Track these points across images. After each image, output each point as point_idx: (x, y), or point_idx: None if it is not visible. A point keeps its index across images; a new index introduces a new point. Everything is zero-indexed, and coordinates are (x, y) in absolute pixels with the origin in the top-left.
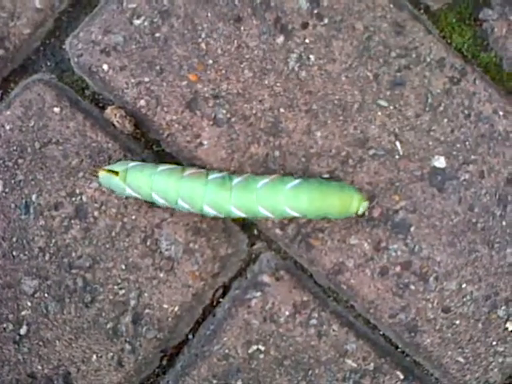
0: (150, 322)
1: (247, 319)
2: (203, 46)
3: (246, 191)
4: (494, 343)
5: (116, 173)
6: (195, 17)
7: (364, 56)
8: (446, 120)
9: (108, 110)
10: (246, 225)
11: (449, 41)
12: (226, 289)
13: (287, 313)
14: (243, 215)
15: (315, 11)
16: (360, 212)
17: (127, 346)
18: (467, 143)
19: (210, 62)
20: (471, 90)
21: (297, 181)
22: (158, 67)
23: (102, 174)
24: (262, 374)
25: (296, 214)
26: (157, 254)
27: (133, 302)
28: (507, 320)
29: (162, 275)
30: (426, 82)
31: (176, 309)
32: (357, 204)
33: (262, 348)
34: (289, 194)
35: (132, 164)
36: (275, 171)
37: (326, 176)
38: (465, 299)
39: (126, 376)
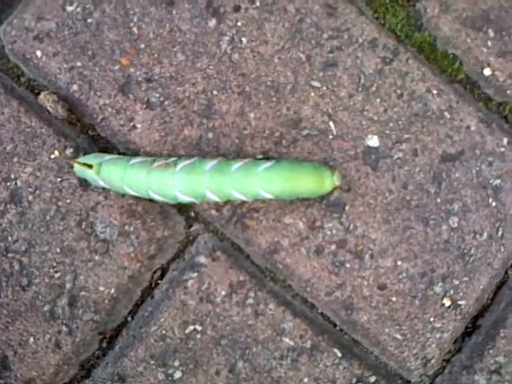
0: (86, 305)
1: (184, 300)
2: (135, 30)
3: (220, 175)
4: (432, 319)
5: (90, 166)
6: (127, 1)
7: (296, 38)
8: (378, 100)
9: (41, 96)
10: (183, 207)
11: (382, 22)
12: (164, 271)
13: (224, 293)
14: (217, 199)
15: None
16: (337, 184)
17: (64, 328)
18: (400, 122)
19: (143, 46)
20: (404, 70)
21: (269, 163)
22: (90, 52)
23: (76, 166)
24: (200, 354)
25: (270, 196)
26: (92, 237)
27: (68, 285)
28: (444, 296)
29: (97, 258)
30: (358, 62)
31: (112, 291)
32: (329, 181)
33: (199, 328)
34: (262, 176)
35: (107, 157)
36: (209, 153)
37: (260, 157)
38: (401, 276)
39: (64, 358)
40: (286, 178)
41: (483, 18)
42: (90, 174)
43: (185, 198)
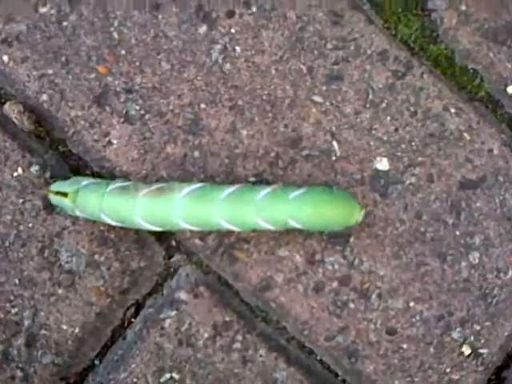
0: (46, 345)
1: (160, 342)
2: (115, 35)
3: (242, 203)
4: (448, 370)
5: (65, 194)
6: (108, 4)
7: (297, 48)
8: (389, 118)
9: (6, 106)
10: (163, 235)
11: (393, 32)
12: (138, 307)
13: (206, 335)
14: (236, 229)
15: None
16: (359, 220)
17: (19, 373)
18: (413, 143)
19: (123, 52)
20: (418, 85)
21: (301, 190)
22: (63, 58)
23: (51, 196)
24: None
25: (298, 226)
26: (55, 267)
27: (27, 322)
28: (463, 343)
29: (60, 291)
30: (366, 76)
31: (77, 330)
32: (357, 213)
33: (177, 376)
34: (293, 204)
35: (84, 182)
36: (194, 174)
37: (253, 179)
38: (413, 320)
39: None
40: (318, 208)
41: (507, 30)
42: (65, 204)
43: (192, 227)
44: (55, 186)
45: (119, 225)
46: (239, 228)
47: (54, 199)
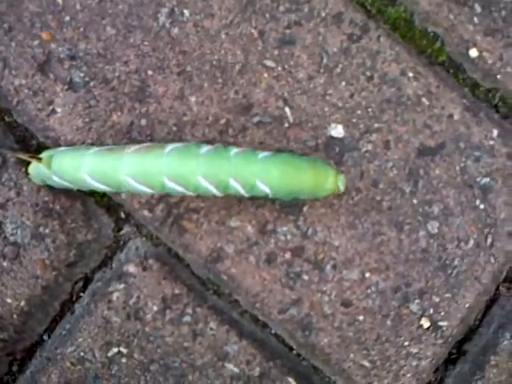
0: None
1: (107, 316)
2: (59, 0)
3: (218, 159)
4: (406, 343)
5: (39, 159)
6: None
7: (247, 11)
8: (343, 83)
9: None
10: (112, 206)
11: None
12: (87, 281)
13: (155, 308)
14: (213, 189)
15: None
16: (341, 188)
17: None
18: (370, 109)
19: (67, 18)
20: (374, 49)
21: (269, 153)
22: (6, 25)
23: (31, 167)
24: (125, 381)
25: (267, 190)
26: (0, 240)
27: None
28: (422, 316)
29: (5, 264)
30: (320, 39)
31: (22, 304)
32: (333, 179)
33: (125, 350)
34: (261, 165)
35: (61, 149)
36: (141, 142)
37: None
38: (369, 291)
39: None
40: (285, 170)
41: None
42: (39, 170)
43: (176, 187)
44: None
45: (101, 187)
46: (215, 188)
47: (31, 168)
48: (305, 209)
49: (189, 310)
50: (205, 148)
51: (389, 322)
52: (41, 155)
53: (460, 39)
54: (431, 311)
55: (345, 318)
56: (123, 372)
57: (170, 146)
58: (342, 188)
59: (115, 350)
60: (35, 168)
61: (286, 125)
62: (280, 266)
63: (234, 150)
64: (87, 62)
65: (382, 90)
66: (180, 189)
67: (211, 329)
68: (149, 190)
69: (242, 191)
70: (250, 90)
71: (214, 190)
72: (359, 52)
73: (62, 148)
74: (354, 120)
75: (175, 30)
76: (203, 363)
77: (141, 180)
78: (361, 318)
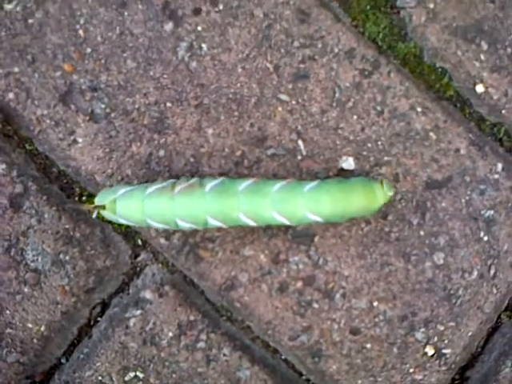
0: (11, 344)
1: (124, 341)
2: (81, 33)
3: (258, 196)
4: (412, 370)
5: (103, 206)
6: (73, 2)
7: (263, 46)
8: (355, 117)
9: None
10: (129, 234)
11: (361, 30)
12: (104, 306)
13: (171, 334)
14: (253, 224)
15: None
16: (390, 196)
17: None
18: (379, 143)
19: (89, 50)
20: (385, 84)
21: (315, 182)
22: (29, 56)
23: (92, 211)
24: None
25: (318, 219)
26: (21, 266)
27: None
28: (426, 344)
29: (26, 290)
30: (333, 74)
31: (42, 328)
32: (381, 194)
33: (141, 375)
34: (308, 196)
35: (121, 191)
36: (159, 173)
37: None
38: (377, 319)
39: None
40: (335, 197)
41: (476, 29)
42: (106, 215)
43: (217, 223)
44: (98, 199)
45: (160, 226)
46: (257, 223)
47: (103, 213)
48: (316, 239)
49: (203, 336)
50: (244, 183)
51: (395, 350)
52: (101, 198)
53: (467, 75)
54: (435, 339)
55: (353, 345)
56: None
57: (209, 185)
58: (390, 193)
59: (132, 374)
60: (105, 214)
61: (299, 157)
62: (291, 294)
63: (276, 185)
64: (108, 94)
65: (392, 124)
66: (220, 224)
67: (224, 355)
68: (194, 227)
69: (288, 223)
70: (264, 122)
71: (254, 224)
72: (370, 87)
73: (122, 189)
74: (365, 153)
75: (193, 64)
76: None
77: (183, 219)
78: (368, 345)
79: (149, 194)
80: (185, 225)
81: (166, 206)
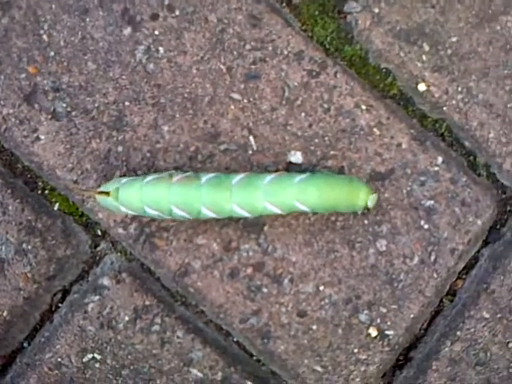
0: None
1: (83, 325)
2: (45, 37)
3: (251, 188)
4: (356, 350)
5: (108, 193)
6: (38, 9)
7: (217, 48)
8: (303, 114)
9: None
10: (90, 225)
11: (310, 34)
12: (66, 293)
13: (127, 318)
14: (246, 214)
15: (166, 2)
16: (370, 205)
17: None
18: (326, 138)
19: (52, 53)
20: (331, 84)
21: (304, 175)
22: None
23: (97, 197)
24: None
25: (305, 208)
26: None
27: None
28: (370, 325)
29: None
30: (282, 75)
31: (5, 314)
32: (364, 196)
33: (98, 356)
34: (298, 187)
35: (124, 180)
36: (117, 167)
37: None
38: (323, 303)
39: None
40: (322, 190)
41: (418, 32)
42: (109, 202)
43: (210, 214)
44: (101, 188)
45: (161, 216)
46: (250, 214)
47: (100, 200)
48: (265, 228)
49: (158, 320)
50: (237, 177)
51: (340, 331)
52: (105, 188)
53: (410, 75)
54: (379, 321)
55: (300, 327)
56: (97, 376)
57: (204, 178)
58: (370, 205)
59: (90, 356)
60: (102, 200)
61: (250, 152)
62: (242, 280)
63: (267, 178)
64: (70, 94)
65: (338, 120)
66: (214, 215)
67: (178, 337)
68: (187, 216)
69: (279, 212)
70: (217, 120)
71: (247, 215)
72: (318, 86)
73: (124, 179)
74: (312, 148)
75: (151, 66)
76: (170, 368)
77: (179, 207)
78: (314, 327)
79: (147, 182)
80: (179, 213)
81: (164, 193)
